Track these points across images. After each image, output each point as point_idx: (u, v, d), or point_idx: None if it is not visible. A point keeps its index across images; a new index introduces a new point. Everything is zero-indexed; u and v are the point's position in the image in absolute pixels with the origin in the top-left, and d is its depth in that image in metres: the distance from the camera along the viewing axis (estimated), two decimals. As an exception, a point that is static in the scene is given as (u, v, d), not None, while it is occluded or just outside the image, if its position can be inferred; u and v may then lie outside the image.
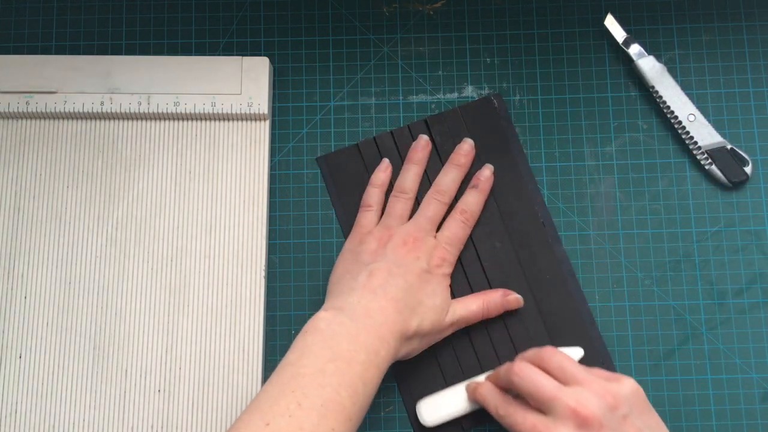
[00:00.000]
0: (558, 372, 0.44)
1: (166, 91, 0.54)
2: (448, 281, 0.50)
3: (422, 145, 0.53)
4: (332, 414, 0.40)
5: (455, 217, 0.51)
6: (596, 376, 0.44)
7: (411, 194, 0.52)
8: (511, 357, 0.48)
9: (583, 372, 0.43)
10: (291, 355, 0.43)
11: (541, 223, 0.53)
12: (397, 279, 0.47)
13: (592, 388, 0.42)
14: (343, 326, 0.44)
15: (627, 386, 0.43)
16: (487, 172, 0.53)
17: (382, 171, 0.53)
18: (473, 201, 0.52)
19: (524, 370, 0.44)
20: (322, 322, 0.44)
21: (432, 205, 0.51)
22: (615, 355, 0.52)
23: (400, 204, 0.51)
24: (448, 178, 0.52)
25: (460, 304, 0.50)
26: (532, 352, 0.46)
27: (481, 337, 0.51)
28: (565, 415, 0.41)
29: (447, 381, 0.51)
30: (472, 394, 0.48)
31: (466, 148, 0.53)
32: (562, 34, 0.57)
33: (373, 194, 0.52)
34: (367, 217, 0.52)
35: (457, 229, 0.51)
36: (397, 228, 0.50)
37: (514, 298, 0.51)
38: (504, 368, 0.46)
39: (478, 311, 0.50)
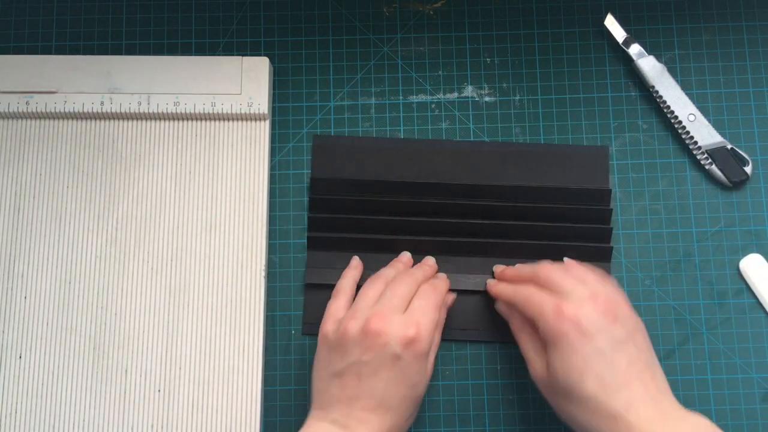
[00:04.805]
0: (580, 279, 0.46)
1: (166, 91, 0.54)
2: (425, 360, 0.46)
3: (404, 261, 0.52)
4: None
5: (424, 286, 0.48)
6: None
7: (388, 282, 0.49)
8: None
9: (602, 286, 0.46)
10: None
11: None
12: (369, 382, 0.44)
13: (614, 295, 0.45)
14: None
15: (638, 318, 0.46)
16: (442, 275, 0.52)
17: (353, 268, 0.52)
18: (439, 281, 0.50)
19: (551, 266, 0.47)
20: None
21: (399, 284, 0.48)
22: (615, 355, 0.52)
23: (373, 287, 0.48)
24: (418, 270, 0.50)
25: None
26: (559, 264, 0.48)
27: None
28: (585, 298, 0.44)
29: None
30: (492, 288, 0.50)
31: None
32: (562, 34, 0.57)
33: (343, 283, 0.50)
34: (335, 303, 0.49)
35: (429, 297, 0.47)
36: (364, 311, 0.46)
37: (451, 299, 0.51)
38: (527, 267, 0.49)
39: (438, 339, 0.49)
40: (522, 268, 0.49)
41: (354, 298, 0.49)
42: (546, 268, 0.47)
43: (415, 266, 0.51)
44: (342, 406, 0.44)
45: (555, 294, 0.45)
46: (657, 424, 0.41)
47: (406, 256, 0.53)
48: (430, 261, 0.52)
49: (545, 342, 0.45)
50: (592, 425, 0.42)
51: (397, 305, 0.46)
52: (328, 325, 0.47)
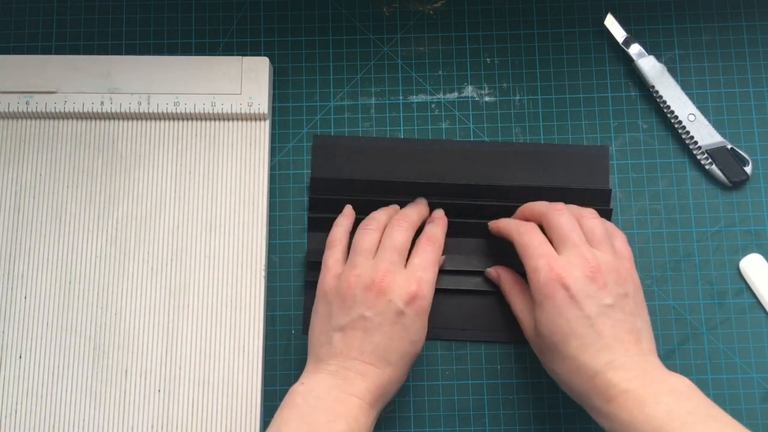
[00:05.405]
0: (588, 232, 0.47)
1: (166, 91, 0.54)
2: (425, 316, 0.46)
3: (395, 207, 0.52)
4: None
5: (422, 242, 0.49)
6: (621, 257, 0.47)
7: (380, 227, 0.49)
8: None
9: (608, 246, 0.47)
10: (269, 431, 0.43)
11: None
12: (372, 336, 0.44)
13: (610, 261, 0.45)
14: (320, 400, 0.43)
15: (637, 280, 0.47)
16: (439, 212, 0.52)
17: (345, 217, 0.52)
18: (436, 230, 0.50)
19: (564, 211, 0.47)
20: (298, 397, 0.43)
21: (396, 233, 0.48)
22: (615, 355, 0.52)
23: (368, 236, 0.48)
24: (412, 209, 0.51)
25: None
26: (575, 207, 0.49)
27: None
28: (576, 261, 0.45)
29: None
30: (495, 226, 0.51)
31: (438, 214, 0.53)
32: (562, 34, 0.57)
33: (336, 233, 0.50)
34: (332, 256, 0.49)
35: (428, 253, 0.48)
36: (364, 265, 0.47)
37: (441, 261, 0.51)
38: (543, 204, 0.49)
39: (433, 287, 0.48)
40: (535, 206, 0.50)
41: (349, 248, 0.49)
42: (557, 214, 0.47)
43: (408, 206, 0.52)
44: (342, 359, 0.45)
45: (554, 245, 0.46)
46: (635, 382, 0.41)
47: (394, 207, 0.53)
48: (421, 201, 0.52)
49: (534, 300, 0.46)
50: (574, 382, 0.44)
51: (397, 259, 0.47)
52: (328, 280, 0.47)
